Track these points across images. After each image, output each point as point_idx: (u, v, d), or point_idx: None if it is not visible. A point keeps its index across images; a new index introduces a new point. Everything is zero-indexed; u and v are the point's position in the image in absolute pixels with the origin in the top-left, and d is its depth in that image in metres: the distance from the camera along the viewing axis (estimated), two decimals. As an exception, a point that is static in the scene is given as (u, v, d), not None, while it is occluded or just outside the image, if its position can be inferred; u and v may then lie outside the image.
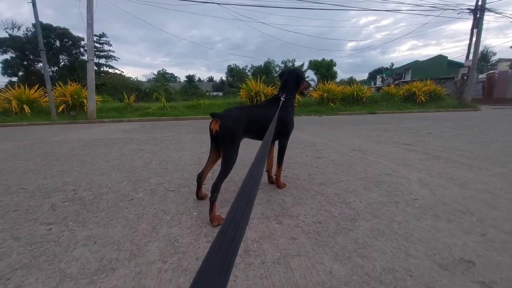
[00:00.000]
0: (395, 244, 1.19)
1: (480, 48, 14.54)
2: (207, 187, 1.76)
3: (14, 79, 23.48)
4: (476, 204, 1.59)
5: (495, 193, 1.76)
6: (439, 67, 24.54)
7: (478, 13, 11.22)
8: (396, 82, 19.52)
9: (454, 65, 22.39)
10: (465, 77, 12.04)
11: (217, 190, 1.39)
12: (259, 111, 1.69)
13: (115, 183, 2.13)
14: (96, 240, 1.26)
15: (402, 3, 18.09)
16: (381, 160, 2.68)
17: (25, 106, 8.18)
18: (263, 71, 24.99)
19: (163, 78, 21.64)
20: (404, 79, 23.94)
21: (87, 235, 1.31)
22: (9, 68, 24.08)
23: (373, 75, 43.64)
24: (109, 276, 1.01)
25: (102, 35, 25.63)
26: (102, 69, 26.20)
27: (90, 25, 7.87)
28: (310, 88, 10.80)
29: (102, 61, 26.56)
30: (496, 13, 11.51)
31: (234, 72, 33.82)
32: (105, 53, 26.37)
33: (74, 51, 25.66)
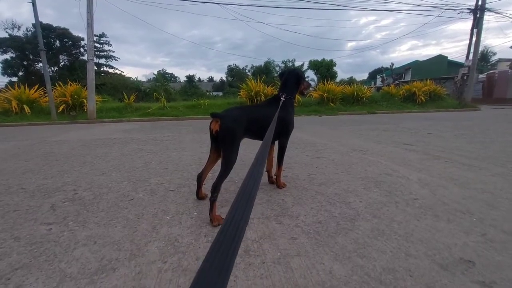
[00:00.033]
0: (395, 244, 1.19)
1: (480, 48, 14.57)
2: (207, 187, 1.76)
3: (14, 79, 23.50)
4: (476, 204, 1.60)
5: (495, 193, 1.77)
6: (439, 67, 24.54)
7: (478, 13, 11.23)
8: (396, 82, 19.52)
9: (454, 65, 22.39)
10: (465, 77, 12.04)
11: (217, 190, 1.40)
12: (259, 111, 1.69)
13: (115, 183, 2.13)
14: (96, 240, 1.26)
15: (402, 3, 18.07)
16: (381, 160, 2.68)
17: (25, 106, 8.18)
18: (263, 71, 24.94)
19: (163, 78, 21.60)
20: (404, 79, 23.94)
21: (87, 235, 1.31)
22: (9, 68, 24.08)
23: (373, 75, 43.64)
24: (109, 276, 1.01)
25: (102, 35, 25.64)
26: (102, 69, 26.21)
27: (90, 25, 7.88)
28: (310, 88, 10.81)
29: (102, 61, 26.60)
30: (496, 13, 11.53)
31: (234, 72, 33.80)
32: (105, 53, 26.39)
33: (74, 51, 25.67)
